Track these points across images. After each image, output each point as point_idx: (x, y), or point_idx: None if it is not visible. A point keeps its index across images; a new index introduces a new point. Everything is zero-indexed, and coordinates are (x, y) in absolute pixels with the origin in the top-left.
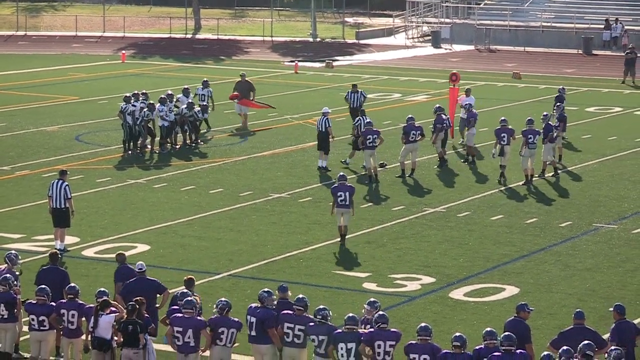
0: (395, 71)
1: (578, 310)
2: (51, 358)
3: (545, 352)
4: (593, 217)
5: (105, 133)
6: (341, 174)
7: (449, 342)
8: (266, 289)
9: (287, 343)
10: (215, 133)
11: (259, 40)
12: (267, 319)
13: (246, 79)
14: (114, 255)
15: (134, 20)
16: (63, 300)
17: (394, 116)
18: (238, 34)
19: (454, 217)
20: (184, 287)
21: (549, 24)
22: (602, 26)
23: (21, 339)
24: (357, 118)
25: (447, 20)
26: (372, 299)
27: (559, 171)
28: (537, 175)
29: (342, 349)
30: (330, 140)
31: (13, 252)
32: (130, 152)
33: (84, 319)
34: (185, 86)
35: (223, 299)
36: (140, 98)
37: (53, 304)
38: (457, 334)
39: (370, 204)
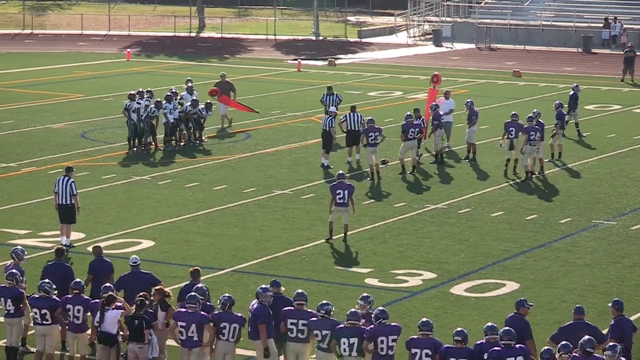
0: (397, 69)
1: (578, 305)
2: (57, 352)
3: (546, 347)
4: (592, 214)
5: (110, 130)
6: (340, 172)
7: (450, 337)
8: (263, 285)
9: (291, 338)
10: (219, 131)
11: (262, 39)
12: (258, 315)
13: (226, 79)
14: (119, 251)
15: (139, 19)
16: (69, 296)
17: (396, 114)
18: (242, 32)
19: (455, 213)
20: (189, 280)
21: (548, 23)
22: (602, 25)
23: (28, 333)
24: (346, 114)
25: (448, 19)
26: (364, 294)
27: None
28: (536, 173)
29: (344, 343)
30: (333, 140)
31: (19, 247)
32: (135, 149)
33: (89, 314)
34: (189, 84)
35: (226, 294)
36: (145, 96)
37: (55, 297)
38: (459, 328)
39: (372, 200)
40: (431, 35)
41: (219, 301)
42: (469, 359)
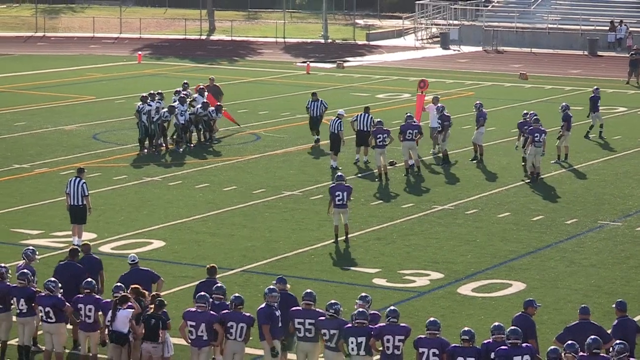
0: (405, 72)
1: (583, 305)
2: (67, 351)
3: (552, 347)
4: (598, 215)
5: (122, 132)
6: (339, 174)
7: (457, 337)
8: (270, 286)
9: (299, 338)
10: (229, 132)
11: (271, 42)
12: (261, 316)
13: (215, 83)
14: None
15: (150, 22)
16: (80, 295)
17: (404, 116)
18: (251, 35)
19: (462, 214)
20: (205, 277)
21: (555, 26)
22: (607, 28)
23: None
24: (358, 114)
25: (456, 22)
26: (363, 294)
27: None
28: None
29: (352, 343)
30: (341, 142)
31: (30, 248)
32: (146, 150)
33: (100, 313)
34: (201, 86)
35: (235, 294)
36: (156, 98)
37: (59, 296)
38: (466, 328)
39: (380, 201)
40: (439, 38)
41: (229, 301)
42: (476, 358)
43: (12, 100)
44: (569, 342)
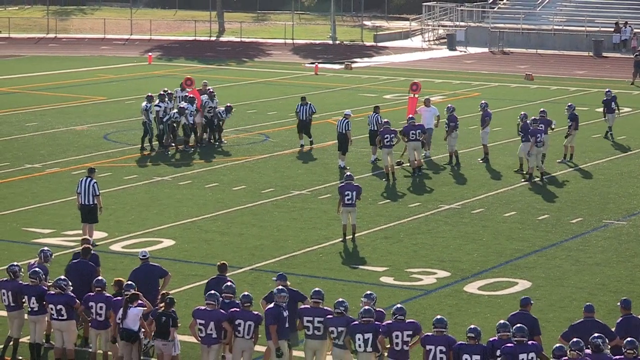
0: (412, 73)
1: (588, 303)
2: (78, 348)
3: (557, 344)
4: (603, 214)
5: (132, 132)
6: (348, 173)
7: (464, 334)
8: (279, 286)
9: (308, 336)
10: (238, 132)
11: (280, 43)
12: (269, 316)
13: (208, 87)
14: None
15: (160, 24)
16: (91, 293)
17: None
18: (260, 36)
19: (469, 213)
20: (216, 274)
21: (560, 27)
22: (612, 29)
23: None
24: (372, 114)
25: (462, 24)
26: (368, 292)
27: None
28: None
29: (359, 339)
30: (349, 142)
31: (48, 249)
32: (147, 150)
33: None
34: (209, 89)
35: (244, 292)
36: (166, 98)
37: (71, 294)
38: (472, 326)
39: (387, 200)
40: (445, 40)
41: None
42: (481, 355)
43: (24, 101)
44: (574, 339)
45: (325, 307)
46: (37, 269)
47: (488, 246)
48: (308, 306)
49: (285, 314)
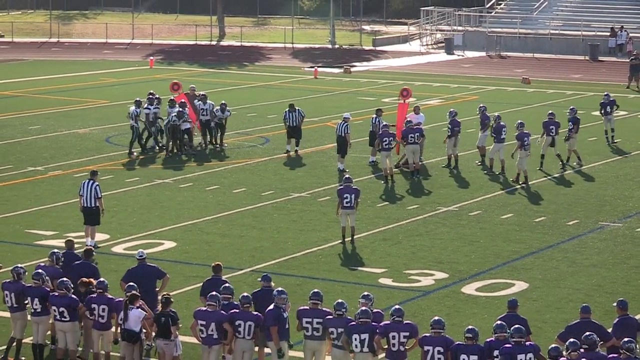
0: (410, 76)
1: (584, 304)
2: (80, 349)
3: (554, 345)
4: (599, 216)
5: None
6: (347, 176)
7: (462, 335)
8: (279, 288)
9: (307, 336)
10: (238, 135)
11: (280, 47)
12: (269, 318)
13: (195, 92)
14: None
15: (161, 28)
16: (93, 295)
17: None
18: (260, 41)
19: (466, 215)
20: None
21: (557, 32)
22: (608, 34)
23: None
24: (374, 117)
25: (460, 28)
26: (365, 293)
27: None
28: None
29: (356, 339)
30: (348, 145)
31: (59, 252)
32: (134, 154)
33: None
34: (202, 93)
35: (244, 293)
36: (154, 102)
37: (73, 296)
38: (469, 326)
39: (386, 203)
40: (443, 44)
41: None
42: (479, 356)
43: (27, 104)
44: (571, 340)
45: (324, 308)
46: (39, 270)
47: (485, 248)
48: (307, 307)
49: (285, 315)
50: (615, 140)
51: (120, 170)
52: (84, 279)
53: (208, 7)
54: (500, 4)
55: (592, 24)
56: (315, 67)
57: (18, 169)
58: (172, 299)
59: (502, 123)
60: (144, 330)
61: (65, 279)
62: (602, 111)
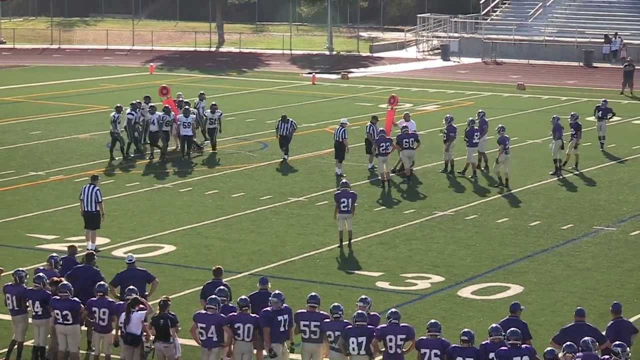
0: (407, 82)
1: (579, 307)
2: (82, 352)
3: (549, 348)
4: (593, 220)
5: None
6: (344, 181)
7: (458, 338)
8: (277, 291)
9: (305, 339)
10: (237, 141)
11: (278, 53)
12: (261, 319)
13: (181, 98)
14: (143, 256)
15: (161, 35)
16: (94, 298)
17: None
18: (259, 47)
19: (462, 219)
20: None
21: (551, 38)
22: (602, 40)
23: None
24: (369, 125)
25: (456, 35)
26: (363, 296)
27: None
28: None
29: (353, 343)
30: (345, 150)
31: (58, 256)
32: (124, 157)
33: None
34: (185, 101)
35: (242, 296)
36: (138, 108)
37: (76, 299)
38: (465, 329)
39: (382, 207)
40: (439, 50)
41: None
42: (474, 358)
43: (28, 110)
44: (568, 343)
45: (322, 312)
46: (41, 274)
47: (481, 252)
48: (304, 310)
49: (280, 318)
50: (604, 147)
51: (121, 175)
52: (55, 278)
53: (207, 14)
54: (496, 11)
55: (587, 30)
56: (313, 73)
57: (20, 173)
58: (170, 302)
59: (476, 128)
60: (144, 333)
61: (66, 282)
62: (596, 115)
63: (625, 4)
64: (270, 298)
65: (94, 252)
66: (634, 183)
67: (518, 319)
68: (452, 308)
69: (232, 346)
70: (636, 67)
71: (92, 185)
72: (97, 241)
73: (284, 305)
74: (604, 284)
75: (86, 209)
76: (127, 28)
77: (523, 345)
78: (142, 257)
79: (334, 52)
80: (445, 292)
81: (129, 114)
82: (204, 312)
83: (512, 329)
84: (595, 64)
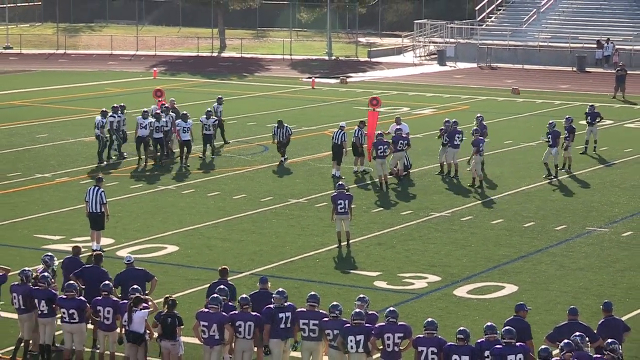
0: (404, 87)
1: (572, 306)
2: (87, 349)
3: (543, 346)
4: (586, 221)
5: None
6: (340, 183)
7: (454, 336)
8: (280, 289)
9: (304, 337)
10: (239, 143)
11: (279, 59)
12: (263, 315)
13: (175, 104)
14: (146, 256)
15: (164, 40)
16: (99, 298)
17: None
18: (260, 52)
19: (458, 221)
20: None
21: (545, 44)
22: (595, 46)
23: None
24: (356, 129)
25: (452, 40)
26: (361, 295)
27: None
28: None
29: (351, 341)
30: (343, 152)
31: (48, 254)
32: (105, 161)
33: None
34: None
35: (242, 295)
36: (118, 112)
37: (82, 298)
38: (461, 328)
39: (380, 208)
40: (436, 55)
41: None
42: (470, 356)
43: (35, 114)
44: (565, 341)
45: (321, 310)
46: (45, 273)
47: (477, 252)
48: (304, 309)
49: (282, 315)
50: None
51: (125, 177)
52: (2, 265)
53: (209, 20)
54: (491, 17)
55: (580, 36)
56: (313, 78)
57: (26, 175)
58: (176, 302)
59: (459, 129)
60: (148, 332)
61: (72, 282)
62: (586, 121)
63: (617, 11)
64: (273, 295)
65: (102, 254)
66: (626, 185)
67: (522, 319)
68: (449, 307)
69: (233, 344)
70: (628, 72)
71: (96, 187)
72: (102, 242)
73: (287, 302)
74: (597, 283)
75: (91, 211)
76: (132, 34)
77: (517, 344)
78: (145, 257)
79: (333, 57)
80: (442, 291)
81: (110, 116)
82: (206, 310)
83: (507, 327)
84: (588, 69)
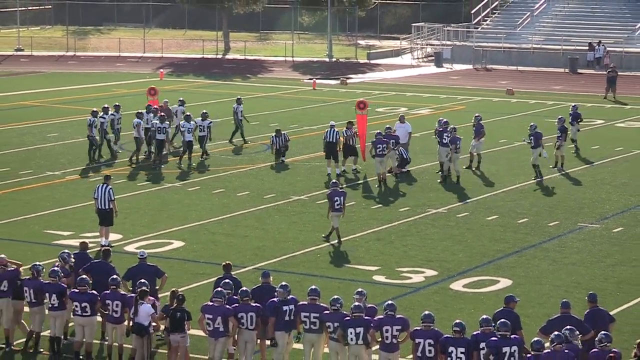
0: (402, 88)
1: (564, 300)
2: (96, 341)
3: (536, 338)
4: (578, 218)
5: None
6: (333, 181)
7: (450, 328)
8: (283, 283)
9: (305, 330)
10: (241, 142)
11: (281, 60)
12: (267, 309)
13: (169, 106)
14: (153, 251)
15: (170, 43)
16: (107, 292)
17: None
18: (263, 54)
19: (454, 217)
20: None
21: (538, 46)
22: (587, 48)
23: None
24: (345, 129)
25: (448, 43)
26: (359, 289)
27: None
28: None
29: (351, 333)
30: (337, 150)
31: (65, 251)
32: (94, 161)
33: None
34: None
35: (243, 288)
36: (110, 112)
37: (94, 292)
38: (457, 320)
39: (379, 205)
40: (433, 57)
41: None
42: (466, 348)
43: (46, 114)
44: (556, 333)
45: (322, 304)
46: (55, 268)
47: (472, 247)
48: (306, 303)
49: (286, 308)
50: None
51: (132, 174)
52: (14, 260)
53: (214, 23)
54: (486, 20)
55: (572, 39)
56: (314, 79)
57: (37, 173)
58: (185, 297)
59: (447, 129)
60: (154, 324)
61: (84, 276)
62: (569, 121)
63: (608, 14)
64: (277, 289)
65: (110, 249)
66: (616, 182)
67: (512, 310)
68: (445, 300)
69: (236, 336)
70: (619, 73)
71: (105, 185)
72: (111, 237)
73: (290, 296)
74: (588, 277)
75: (100, 207)
76: (139, 36)
77: (512, 336)
78: (152, 252)
79: (334, 59)
80: (439, 285)
81: (100, 117)
82: (211, 303)
83: (502, 320)
84: (580, 70)
